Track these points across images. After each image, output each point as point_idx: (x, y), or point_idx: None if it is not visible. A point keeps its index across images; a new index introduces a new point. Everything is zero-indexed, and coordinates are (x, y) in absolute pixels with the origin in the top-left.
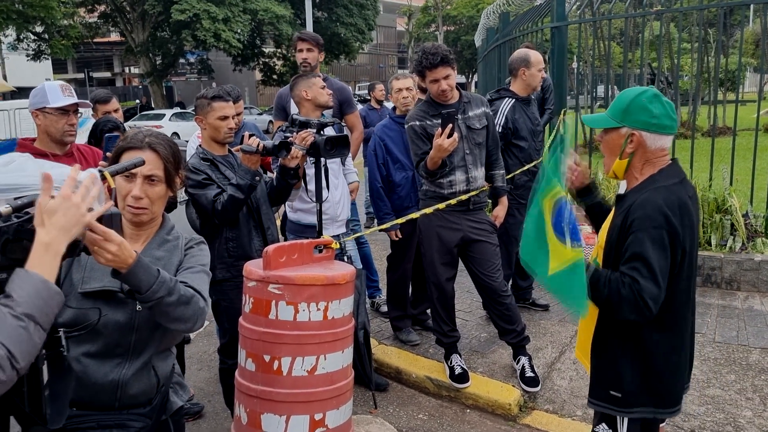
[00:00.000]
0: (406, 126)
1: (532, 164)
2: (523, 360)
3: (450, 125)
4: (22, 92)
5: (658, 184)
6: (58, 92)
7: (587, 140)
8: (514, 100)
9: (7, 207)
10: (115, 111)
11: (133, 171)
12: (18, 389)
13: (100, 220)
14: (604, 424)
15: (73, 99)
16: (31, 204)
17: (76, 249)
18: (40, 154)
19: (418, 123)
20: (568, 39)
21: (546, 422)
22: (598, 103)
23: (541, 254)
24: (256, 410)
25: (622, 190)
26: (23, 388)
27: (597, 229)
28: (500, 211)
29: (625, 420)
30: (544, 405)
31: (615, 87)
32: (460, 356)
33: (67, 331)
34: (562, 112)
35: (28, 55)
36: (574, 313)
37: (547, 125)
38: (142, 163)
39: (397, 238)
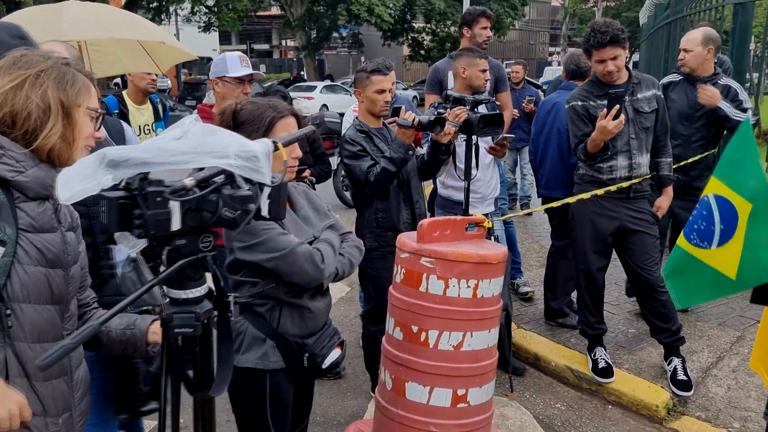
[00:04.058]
0: (566, 106)
1: (704, 154)
2: (676, 361)
3: (617, 106)
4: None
5: None
6: (236, 63)
7: (764, 131)
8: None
9: (191, 180)
10: None
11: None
12: (190, 350)
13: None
14: None
15: (249, 70)
16: (212, 176)
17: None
18: None
19: (580, 103)
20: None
21: (697, 430)
22: None
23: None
24: (401, 378)
25: None
26: (196, 347)
27: None
28: (664, 202)
29: None
30: (695, 411)
31: None
32: (605, 350)
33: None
34: None
35: (199, 27)
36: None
37: None
38: (313, 132)
39: None
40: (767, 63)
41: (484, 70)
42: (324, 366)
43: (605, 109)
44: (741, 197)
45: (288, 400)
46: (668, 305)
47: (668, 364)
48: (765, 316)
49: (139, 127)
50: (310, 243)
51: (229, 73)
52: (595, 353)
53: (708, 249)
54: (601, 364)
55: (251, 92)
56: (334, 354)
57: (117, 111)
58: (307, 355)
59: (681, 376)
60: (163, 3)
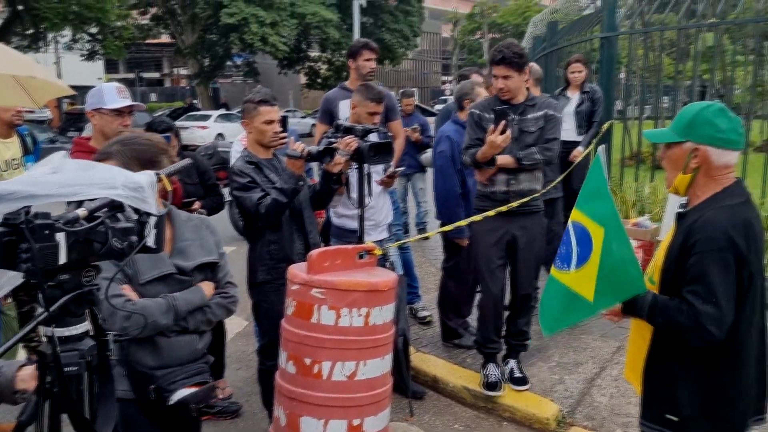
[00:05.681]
0: (468, 111)
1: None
2: (512, 362)
3: (503, 122)
4: (76, 90)
5: (721, 203)
6: (114, 94)
7: (634, 153)
8: None
9: (84, 210)
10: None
11: None
12: (75, 387)
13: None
14: None
15: (128, 101)
16: (102, 207)
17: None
18: (95, 153)
19: (477, 112)
20: (617, 49)
21: None
22: (645, 115)
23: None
24: (295, 413)
25: (672, 204)
26: (80, 386)
27: None
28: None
29: None
30: (583, 421)
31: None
32: (497, 366)
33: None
34: (608, 124)
35: (82, 55)
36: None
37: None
38: (191, 165)
39: (465, 244)
40: (635, 91)
41: (373, 114)
42: (170, 402)
43: (493, 125)
44: (593, 222)
45: None
46: (531, 319)
47: (506, 365)
48: (632, 329)
49: (6, 162)
50: (169, 275)
51: (106, 105)
52: (487, 369)
53: (568, 271)
54: (491, 379)
55: (131, 124)
56: (184, 392)
57: None
58: (153, 387)
59: (517, 374)
60: (41, 30)
